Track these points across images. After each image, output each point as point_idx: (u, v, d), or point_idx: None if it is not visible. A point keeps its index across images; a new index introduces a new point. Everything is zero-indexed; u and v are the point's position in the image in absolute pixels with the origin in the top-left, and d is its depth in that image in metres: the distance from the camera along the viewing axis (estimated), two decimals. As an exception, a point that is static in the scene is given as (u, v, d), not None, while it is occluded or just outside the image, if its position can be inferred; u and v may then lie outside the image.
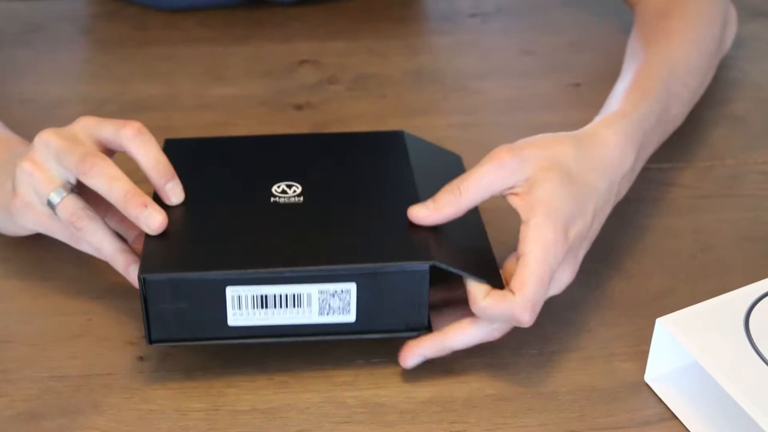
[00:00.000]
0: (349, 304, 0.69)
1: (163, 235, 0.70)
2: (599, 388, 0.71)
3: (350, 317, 0.69)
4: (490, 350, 0.72)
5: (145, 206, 0.69)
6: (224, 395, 0.70)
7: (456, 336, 0.70)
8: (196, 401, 0.70)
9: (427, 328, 0.71)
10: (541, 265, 0.67)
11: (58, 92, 0.99)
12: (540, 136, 0.72)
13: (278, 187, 0.74)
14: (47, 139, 0.72)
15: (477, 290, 0.68)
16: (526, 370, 0.72)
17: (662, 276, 0.80)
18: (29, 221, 0.74)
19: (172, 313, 0.68)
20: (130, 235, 0.74)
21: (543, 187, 0.69)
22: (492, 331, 0.70)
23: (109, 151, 0.73)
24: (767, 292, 0.71)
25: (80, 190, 0.72)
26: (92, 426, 0.68)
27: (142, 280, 0.67)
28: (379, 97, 0.98)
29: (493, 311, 0.67)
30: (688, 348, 0.67)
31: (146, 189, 0.72)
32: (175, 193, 0.72)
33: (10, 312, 0.76)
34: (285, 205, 0.73)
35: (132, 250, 0.72)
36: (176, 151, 0.77)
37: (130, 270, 0.71)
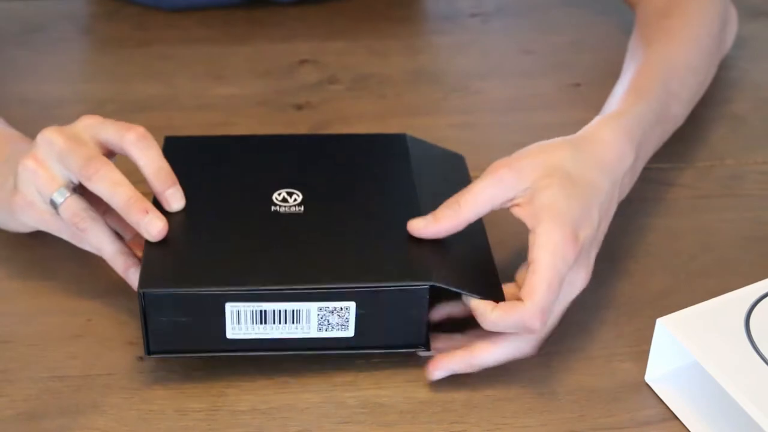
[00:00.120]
0: (347, 320, 0.69)
1: (163, 244, 0.70)
2: (599, 388, 0.71)
3: (349, 333, 0.69)
4: (491, 350, 0.72)
5: (146, 212, 0.70)
6: (224, 395, 0.70)
7: (482, 353, 0.69)
8: (196, 401, 0.70)
9: (425, 346, 0.71)
10: (550, 270, 0.67)
11: (58, 92, 0.99)
12: (535, 144, 0.72)
13: (279, 194, 0.74)
14: (51, 137, 0.72)
15: (483, 306, 0.68)
16: (526, 370, 0.72)
17: (662, 276, 0.80)
18: (31, 219, 0.74)
19: (171, 326, 0.68)
20: (127, 234, 0.74)
21: (545, 194, 0.69)
22: (520, 347, 0.69)
23: (110, 152, 0.73)
24: None
25: (82, 189, 0.72)
26: (92, 426, 0.68)
27: (141, 295, 0.67)
28: (379, 97, 0.98)
29: (503, 323, 0.67)
30: (688, 348, 0.67)
31: (144, 189, 0.72)
32: (175, 199, 0.72)
33: (10, 312, 0.76)
34: (285, 215, 0.73)
35: (132, 252, 0.73)
36: (176, 149, 0.76)
37: (129, 273, 0.72)
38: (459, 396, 0.70)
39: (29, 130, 0.79)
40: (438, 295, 0.70)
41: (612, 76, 0.86)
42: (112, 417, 0.69)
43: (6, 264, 0.80)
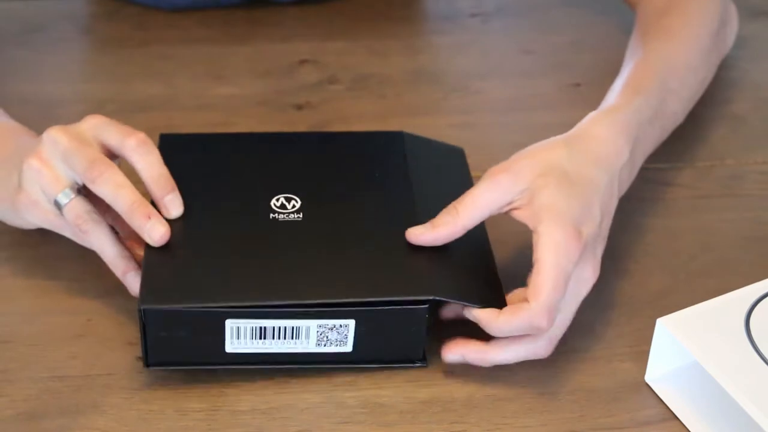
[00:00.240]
0: (346, 337, 0.69)
1: (163, 257, 0.70)
2: (599, 388, 0.71)
3: (347, 348, 0.70)
4: (491, 350, 0.72)
5: (149, 218, 0.70)
6: (224, 395, 0.70)
7: (496, 350, 0.69)
8: (196, 401, 0.70)
9: (423, 361, 0.71)
10: (554, 269, 0.67)
11: (58, 92, 0.99)
12: (530, 146, 0.72)
13: (277, 200, 0.74)
14: (55, 137, 0.72)
15: (487, 315, 0.68)
16: (526, 370, 0.72)
17: (662, 276, 0.80)
18: (35, 218, 0.74)
19: (171, 340, 0.68)
20: (124, 232, 0.74)
21: (543, 194, 0.69)
22: (533, 348, 0.69)
23: (113, 155, 0.74)
24: None
25: (86, 189, 0.72)
26: (92, 426, 0.68)
27: (141, 311, 0.67)
28: (379, 97, 0.98)
29: (510, 326, 0.67)
30: (688, 348, 0.67)
31: (143, 189, 0.72)
32: (174, 206, 0.72)
33: (10, 312, 0.76)
34: (284, 223, 0.73)
35: (132, 256, 0.73)
36: (172, 147, 0.76)
37: (127, 277, 0.72)
38: (459, 396, 0.70)
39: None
40: (441, 302, 0.70)
41: (612, 76, 0.86)
42: (112, 417, 0.69)
43: (6, 264, 0.80)
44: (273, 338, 0.68)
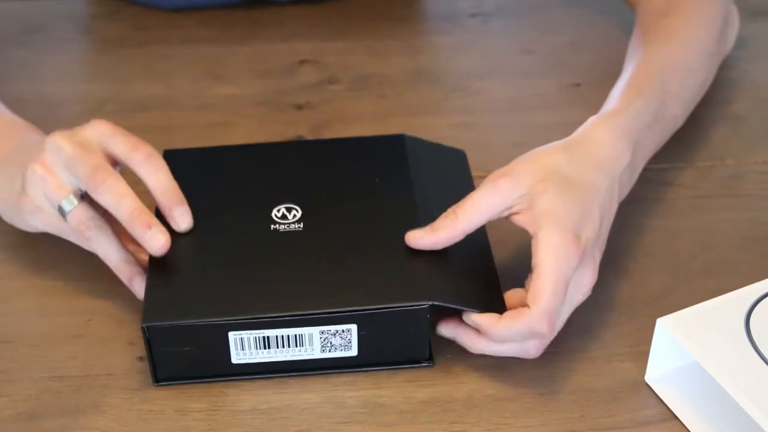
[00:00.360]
0: (350, 341, 0.69)
1: (165, 272, 0.70)
2: (599, 388, 0.71)
3: (352, 352, 0.70)
4: (491, 350, 0.72)
5: (150, 227, 0.70)
6: (224, 395, 0.70)
7: (488, 342, 0.69)
8: (196, 401, 0.70)
9: (429, 361, 0.71)
10: (554, 273, 0.67)
11: (58, 92, 0.99)
12: (530, 151, 0.73)
13: (278, 210, 0.74)
14: (59, 144, 0.72)
15: (487, 320, 0.68)
16: (526, 370, 0.72)
17: (662, 276, 0.80)
18: (39, 222, 0.74)
19: (177, 355, 0.69)
20: (129, 236, 0.74)
21: (542, 198, 0.69)
22: (524, 348, 0.69)
23: (116, 162, 0.74)
24: None
25: (89, 196, 0.72)
26: (92, 426, 0.68)
27: (145, 328, 0.67)
28: (379, 97, 0.98)
29: (510, 331, 0.67)
30: (688, 348, 0.67)
31: (147, 199, 0.72)
32: (183, 219, 0.73)
33: (10, 312, 0.76)
34: (285, 234, 0.73)
35: (136, 260, 0.73)
36: (175, 163, 0.76)
37: (133, 282, 0.72)
38: (459, 396, 0.70)
39: (29, 130, 0.79)
40: (441, 308, 0.70)
41: (612, 76, 0.86)
42: (112, 417, 0.69)
43: (6, 265, 0.80)
44: (277, 347, 0.69)
